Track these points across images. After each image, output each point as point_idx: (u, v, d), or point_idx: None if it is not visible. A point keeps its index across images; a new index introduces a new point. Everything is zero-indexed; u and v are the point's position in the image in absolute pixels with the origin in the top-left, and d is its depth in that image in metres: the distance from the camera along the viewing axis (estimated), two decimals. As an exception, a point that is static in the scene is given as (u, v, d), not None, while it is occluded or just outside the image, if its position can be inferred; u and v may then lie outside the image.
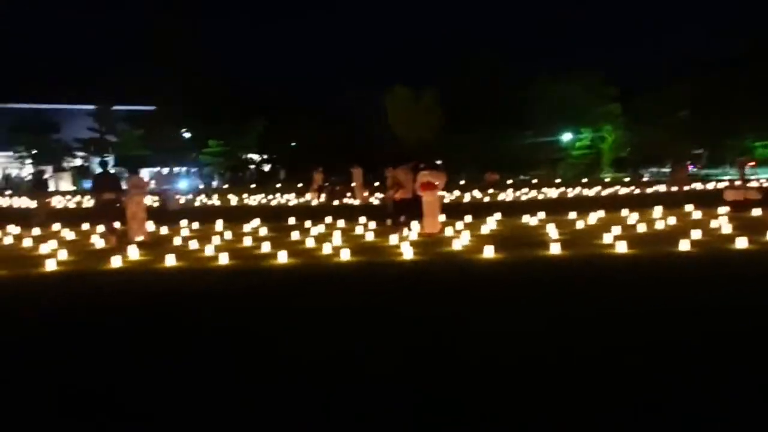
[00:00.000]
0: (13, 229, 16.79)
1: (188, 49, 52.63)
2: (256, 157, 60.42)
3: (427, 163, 15.32)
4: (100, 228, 14.90)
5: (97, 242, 13.98)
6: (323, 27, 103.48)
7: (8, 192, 39.51)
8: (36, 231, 16.33)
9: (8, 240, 15.00)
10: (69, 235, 15.71)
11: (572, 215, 16.79)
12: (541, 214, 17.01)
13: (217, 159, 55.09)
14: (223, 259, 10.94)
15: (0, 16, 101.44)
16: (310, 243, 12.81)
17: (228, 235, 14.77)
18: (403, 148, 49.29)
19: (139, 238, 14.16)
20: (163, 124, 53.05)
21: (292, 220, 17.64)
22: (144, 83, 50.50)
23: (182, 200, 28.98)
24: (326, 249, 11.79)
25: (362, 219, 16.74)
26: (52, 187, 41.71)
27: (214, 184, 53.36)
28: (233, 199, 31.15)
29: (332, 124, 56.07)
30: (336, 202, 27.52)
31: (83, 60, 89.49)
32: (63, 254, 11.93)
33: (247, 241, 13.43)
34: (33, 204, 26.41)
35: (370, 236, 13.79)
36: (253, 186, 47.74)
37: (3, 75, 64.33)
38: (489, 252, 10.76)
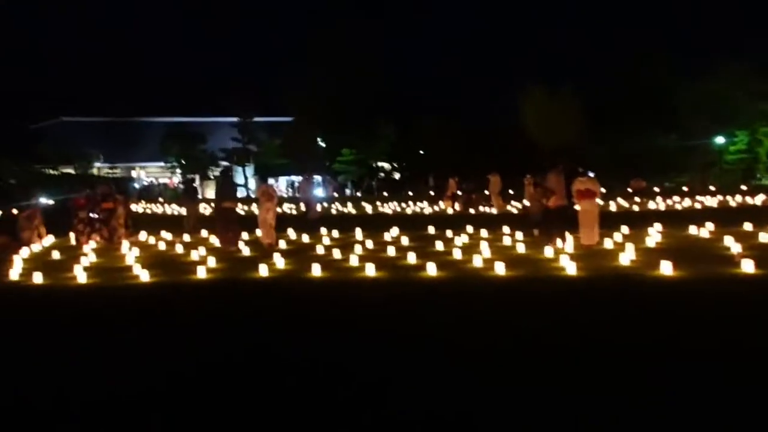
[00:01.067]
0: (166, 234, 17.51)
1: (345, 56, 54.41)
2: (386, 165, 60.81)
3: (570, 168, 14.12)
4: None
5: (244, 250, 14.08)
6: (448, 28, 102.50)
7: (160, 199, 42.17)
8: (186, 237, 16.85)
9: (161, 246, 15.52)
10: (216, 241, 16.03)
11: (747, 226, 14.81)
12: (709, 225, 15.14)
13: (350, 167, 55.97)
14: (370, 269, 10.44)
15: (150, 38, 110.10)
16: (457, 254, 12.05)
17: (369, 243, 14.35)
18: (540, 152, 47.44)
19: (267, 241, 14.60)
20: (301, 134, 54.81)
21: (431, 230, 17.02)
22: (285, 94, 52.94)
23: (319, 208, 29.36)
24: (476, 261, 10.98)
25: (505, 229, 15.80)
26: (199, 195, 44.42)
27: (347, 192, 54.30)
28: (368, 207, 31.15)
29: (464, 129, 55.10)
30: (472, 211, 26.62)
31: (228, 74, 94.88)
32: (212, 261, 12.00)
33: (390, 251, 12.92)
34: (183, 211, 27.85)
35: (520, 248, 12.79)
36: (385, 194, 47.93)
37: (156, 91, 69.75)
38: (667, 268, 9.45)
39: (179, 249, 14.60)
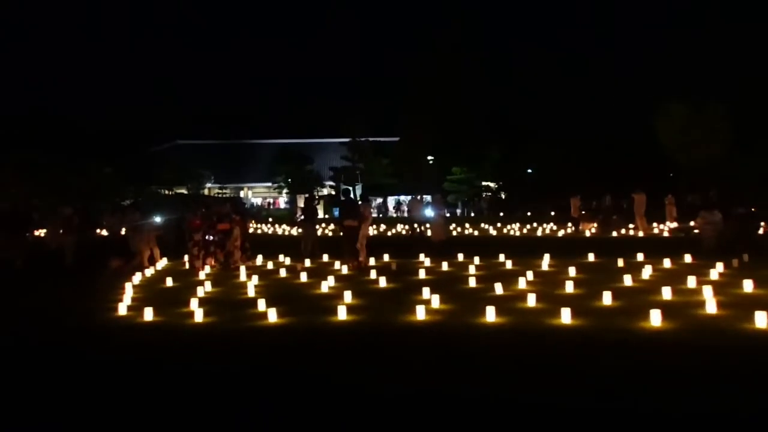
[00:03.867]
0: (284, 258, 15.73)
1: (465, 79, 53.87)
2: (490, 184, 58.09)
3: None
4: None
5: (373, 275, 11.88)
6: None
7: (270, 219, 41.35)
8: (307, 262, 14.93)
9: (282, 272, 13.60)
10: (344, 268, 13.96)
11: None
12: None
13: (459, 186, 53.75)
14: (564, 315, 7.87)
15: (254, 63, 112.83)
16: (664, 293, 9.25)
17: (529, 274, 11.75)
18: (676, 170, 43.01)
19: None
20: (410, 153, 53.77)
21: (590, 257, 14.25)
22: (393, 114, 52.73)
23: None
24: (709, 306, 8.18)
25: (687, 257, 12.89)
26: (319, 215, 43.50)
27: (457, 212, 51.99)
28: (489, 229, 28.45)
29: (581, 145, 51.32)
30: (614, 234, 23.39)
31: (333, 96, 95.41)
32: (348, 296, 9.83)
33: (567, 286, 10.30)
34: (293, 231, 26.28)
35: (747, 286, 9.76)
36: (500, 214, 45.00)
37: (267, 115, 70.89)
38: None
39: (303, 277, 12.61)
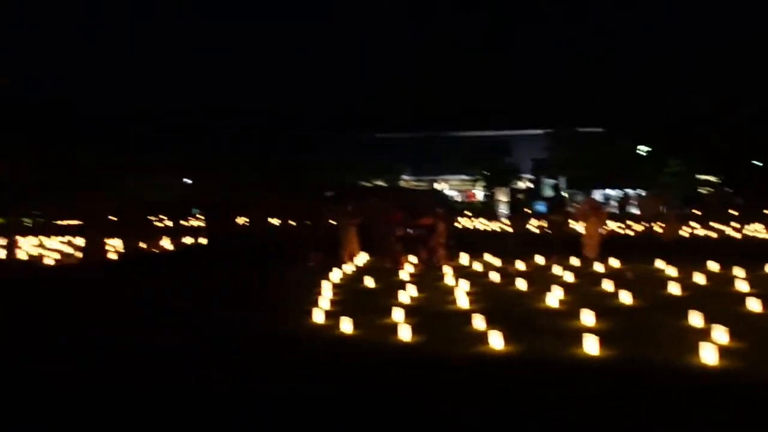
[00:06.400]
0: (489, 258, 13.90)
1: None
2: (712, 178, 51.00)
3: None
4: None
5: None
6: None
7: (467, 213, 39.66)
8: (520, 264, 12.91)
9: (493, 276, 11.72)
10: (567, 275, 11.74)
11: None
12: None
13: (676, 180, 47.96)
14: None
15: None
16: None
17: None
18: None
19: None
20: (616, 144, 49.37)
21: None
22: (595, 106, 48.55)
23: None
24: None
25: None
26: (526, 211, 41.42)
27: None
28: (726, 230, 24.05)
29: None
30: None
31: (531, 84, 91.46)
32: (589, 316, 7.69)
33: None
34: (489, 227, 24.33)
35: None
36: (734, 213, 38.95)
37: (460, 106, 69.50)
38: None
39: (520, 284, 10.63)
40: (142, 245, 17.27)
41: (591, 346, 6.33)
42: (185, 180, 43.78)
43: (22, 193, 27.38)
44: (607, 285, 10.20)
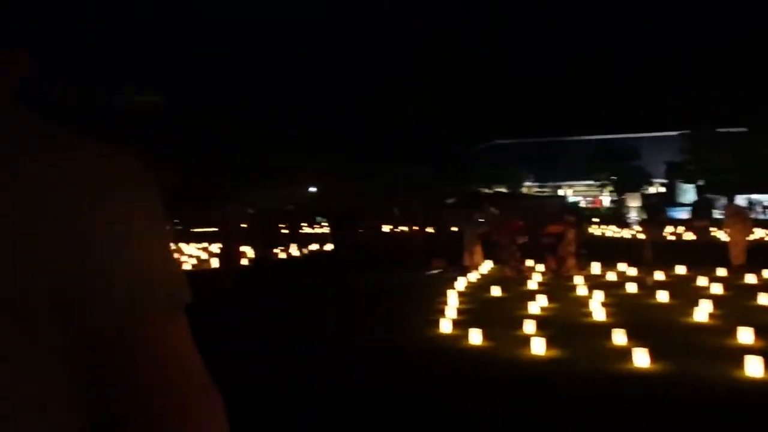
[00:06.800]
0: (624, 267, 13.05)
1: None
2: None
3: None
4: None
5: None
6: None
7: (594, 220, 37.91)
8: (658, 275, 12.01)
9: (629, 287, 10.95)
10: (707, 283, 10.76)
11: None
12: None
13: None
14: None
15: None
16: None
17: None
18: None
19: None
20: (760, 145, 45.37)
21: None
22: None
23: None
24: None
25: None
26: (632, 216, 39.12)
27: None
28: None
29: None
30: None
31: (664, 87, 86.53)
32: (745, 335, 6.92)
33: None
34: (623, 234, 23.03)
35: None
36: None
37: (583, 109, 67.09)
38: None
39: (662, 296, 9.84)
40: (273, 252, 17.90)
41: (754, 367, 5.64)
42: (310, 189, 45.19)
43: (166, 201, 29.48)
44: (763, 298, 9.23)
